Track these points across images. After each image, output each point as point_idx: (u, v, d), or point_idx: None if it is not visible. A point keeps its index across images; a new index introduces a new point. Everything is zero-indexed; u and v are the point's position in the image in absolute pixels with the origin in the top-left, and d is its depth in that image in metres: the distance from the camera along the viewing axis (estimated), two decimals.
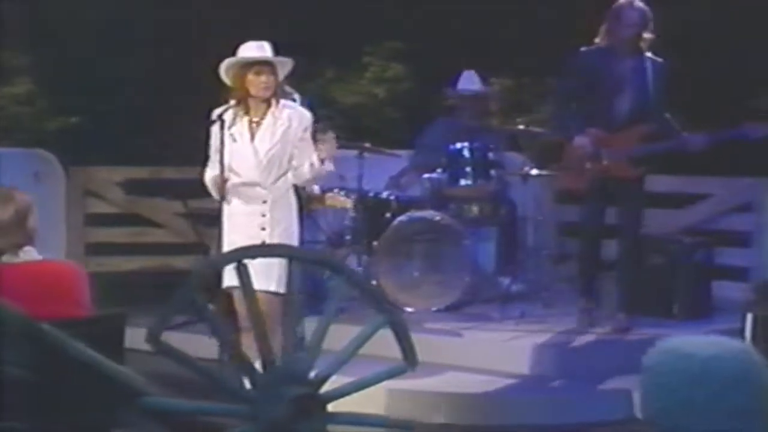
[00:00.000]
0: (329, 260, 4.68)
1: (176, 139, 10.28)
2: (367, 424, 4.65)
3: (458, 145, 8.48)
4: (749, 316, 7.89)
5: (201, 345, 7.77)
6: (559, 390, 7.52)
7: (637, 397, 7.05)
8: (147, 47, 10.71)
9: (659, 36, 7.88)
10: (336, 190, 7.27)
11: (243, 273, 4.35)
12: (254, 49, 6.60)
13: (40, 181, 9.21)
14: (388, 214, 8.63)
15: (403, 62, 11.20)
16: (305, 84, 9.71)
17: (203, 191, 8.61)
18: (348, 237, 8.67)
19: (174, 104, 10.41)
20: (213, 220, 8.96)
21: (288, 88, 6.90)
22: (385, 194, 8.78)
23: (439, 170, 8.57)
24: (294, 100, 6.98)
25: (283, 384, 4.35)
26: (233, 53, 6.59)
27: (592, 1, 8.30)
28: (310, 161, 6.57)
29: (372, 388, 4.73)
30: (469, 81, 9.03)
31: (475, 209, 8.63)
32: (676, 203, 9.59)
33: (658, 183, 9.03)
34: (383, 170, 9.07)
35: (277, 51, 6.58)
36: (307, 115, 6.62)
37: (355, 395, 4.48)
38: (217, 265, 4.47)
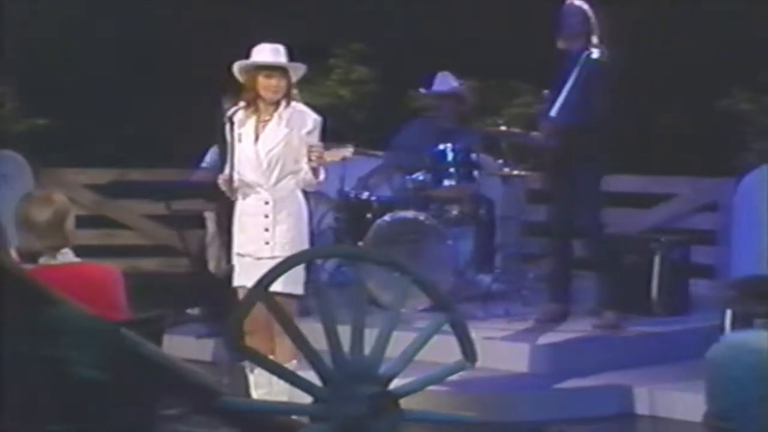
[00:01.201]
0: (397, 261, 4.72)
1: (144, 142, 10.28)
2: (437, 421, 4.74)
3: (441, 147, 8.56)
4: (728, 313, 8.12)
5: (185, 346, 7.89)
6: (551, 386, 7.65)
7: (638, 393, 7.25)
8: (116, 49, 10.65)
9: (611, 36, 8.13)
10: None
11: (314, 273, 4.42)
12: (268, 52, 6.63)
13: (8, 183, 9.13)
14: (369, 215, 8.71)
15: (368, 64, 11.28)
16: None
17: (183, 193, 8.68)
18: (331, 239, 8.75)
19: (142, 107, 10.39)
20: (196, 221, 9.06)
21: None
22: (365, 195, 8.85)
23: (422, 171, 8.62)
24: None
25: (355, 382, 4.40)
26: (247, 55, 6.62)
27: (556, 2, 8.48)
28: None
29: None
30: (445, 82, 9.12)
31: (456, 209, 8.71)
32: (642, 203, 9.80)
33: (625, 183, 9.22)
34: (359, 171, 9.14)
35: (292, 54, 6.61)
36: (313, 118, 6.63)
37: None
38: (287, 265, 4.51)
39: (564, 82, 8.07)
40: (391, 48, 10.85)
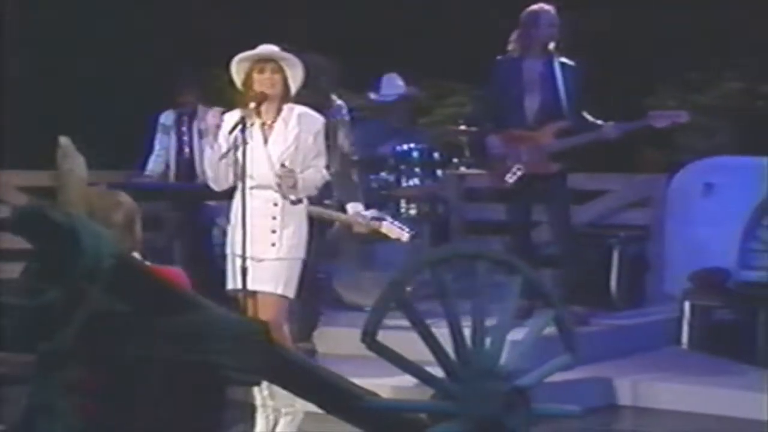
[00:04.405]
0: (511, 259, 4.80)
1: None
2: (564, 415, 4.84)
3: (405, 147, 8.61)
4: (687, 305, 8.46)
5: None
6: None
7: (620, 385, 7.43)
8: (44, 48, 10.37)
9: (566, 41, 8.33)
10: (389, 220, 7.35)
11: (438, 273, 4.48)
12: (260, 48, 6.62)
13: None
14: None
15: None
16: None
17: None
18: None
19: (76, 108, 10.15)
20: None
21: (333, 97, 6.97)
22: None
23: (385, 171, 8.65)
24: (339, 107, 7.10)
25: (486, 379, 4.47)
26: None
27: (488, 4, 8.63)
28: (317, 169, 6.56)
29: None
30: (392, 85, 9.12)
31: (415, 208, 8.75)
32: (575, 199, 10.01)
33: None
34: None
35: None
36: (317, 119, 6.59)
37: None
38: (421, 265, 4.56)
39: (525, 86, 8.24)
40: (318, 48, 10.82)
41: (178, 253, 9.05)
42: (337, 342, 7.70)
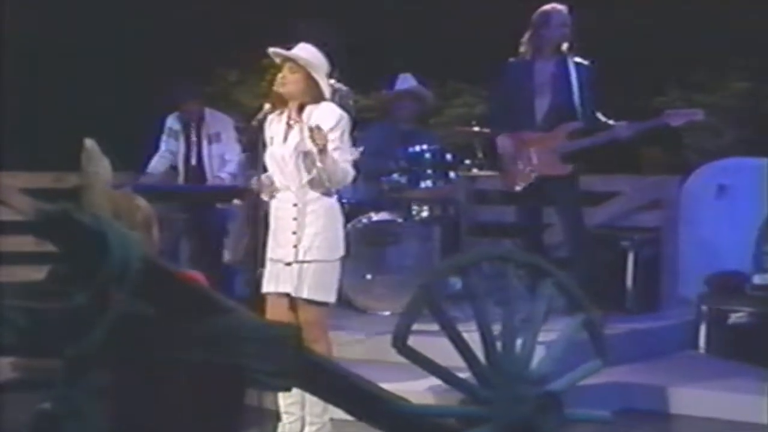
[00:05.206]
0: (540, 262, 4.73)
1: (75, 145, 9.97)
2: (594, 419, 4.78)
3: (418, 148, 8.52)
4: (704, 308, 8.38)
5: None
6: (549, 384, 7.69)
7: (638, 389, 7.34)
8: (43, 48, 10.29)
9: (578, 40, 8.26)
10: None
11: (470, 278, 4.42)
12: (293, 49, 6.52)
13: None
14: None
15: None
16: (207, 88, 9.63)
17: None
18: None
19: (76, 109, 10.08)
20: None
21: (338, 85, 6.84)
22: None
23: (396, 173, 8.57)
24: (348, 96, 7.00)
25: (517, 383, 4.40)
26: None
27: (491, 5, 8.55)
28: (341, 160, 6.41)
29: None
30: (406, 81, 9.09)
31: (428, 210, 8.66)
32: (587, 202, 9.94)
33: None
34: None
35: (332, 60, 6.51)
36: (336, 115, 6.40)
37: None
38: (451, 268, 4.49)
39: (536, 87, 8.16)
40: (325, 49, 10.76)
41: (187, 256, 8.97)
42: (347, 346, 7.58)
